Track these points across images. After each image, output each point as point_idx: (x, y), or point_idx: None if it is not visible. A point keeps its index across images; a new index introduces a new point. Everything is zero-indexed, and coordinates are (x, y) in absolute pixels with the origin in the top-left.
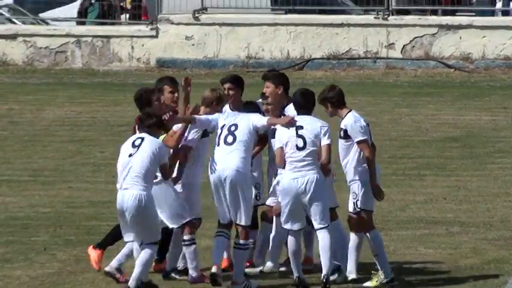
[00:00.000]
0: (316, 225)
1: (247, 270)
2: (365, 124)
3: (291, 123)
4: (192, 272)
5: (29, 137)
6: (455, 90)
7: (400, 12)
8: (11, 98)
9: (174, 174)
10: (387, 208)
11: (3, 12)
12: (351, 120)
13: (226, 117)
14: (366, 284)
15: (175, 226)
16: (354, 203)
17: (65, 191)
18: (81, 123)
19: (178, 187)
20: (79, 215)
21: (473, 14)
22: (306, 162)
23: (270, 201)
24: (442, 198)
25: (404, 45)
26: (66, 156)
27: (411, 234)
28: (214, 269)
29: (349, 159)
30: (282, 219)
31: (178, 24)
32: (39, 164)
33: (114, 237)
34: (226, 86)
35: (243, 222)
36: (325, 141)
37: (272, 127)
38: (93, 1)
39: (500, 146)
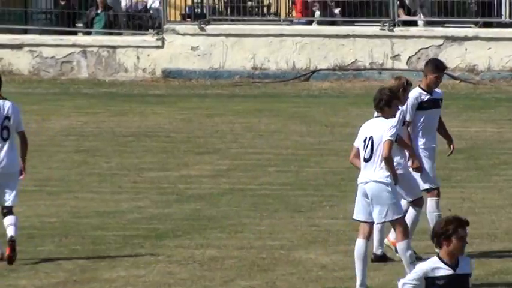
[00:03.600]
0: None
1: None
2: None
3: None
4: None
5: (34, 147)
6: (461, 101)
7: (405, 23)
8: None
9: None
10: None
11: None
12: None
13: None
14: None
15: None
16: None
17: (70, 201)
18: (87, 133)
19: None
20: (85, 224)
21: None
22: None
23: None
24: (447, 210)
25: (409, 57)
26: (71, 167)
27: (416, 245)
28: None
29: None
30: None
31: (184, 34)
32: (44, 174)
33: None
34: None
35: None
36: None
37: None
38: (99, 11)
39: (505, 158)
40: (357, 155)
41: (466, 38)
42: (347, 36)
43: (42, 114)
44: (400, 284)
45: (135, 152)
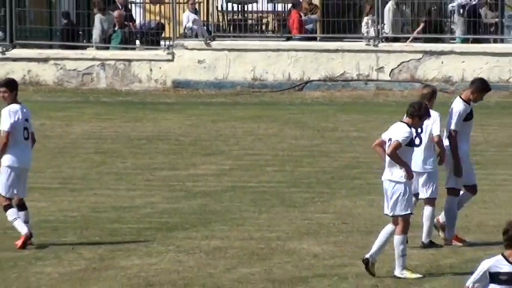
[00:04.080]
0: None
1: None
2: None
3: None
4: None
5: (58, 149)
6: (438, 109)
7: (388, 39)
8: (43, 114)
9: None
10: (377, 214)
11: None
12: None
13: None
14: None
15: None
16: None
17: (90, 197)
18: (105, 137)
19: None
20: (103, 218)
21: (455, 41)
22: None
23: None
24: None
25: (392, 69)
26: (91, 166)
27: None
28: None
29: None
30: None
31: (192, 49)
32: (67, 173)
33: None
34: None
35: None
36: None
37: None
38: (116, 29)
39: (477, 159)
40: (381, 145)
41: (442, 53)
42: (336, 50)
43: (66, 120)
44: (469, 285)
45: (148, 154)
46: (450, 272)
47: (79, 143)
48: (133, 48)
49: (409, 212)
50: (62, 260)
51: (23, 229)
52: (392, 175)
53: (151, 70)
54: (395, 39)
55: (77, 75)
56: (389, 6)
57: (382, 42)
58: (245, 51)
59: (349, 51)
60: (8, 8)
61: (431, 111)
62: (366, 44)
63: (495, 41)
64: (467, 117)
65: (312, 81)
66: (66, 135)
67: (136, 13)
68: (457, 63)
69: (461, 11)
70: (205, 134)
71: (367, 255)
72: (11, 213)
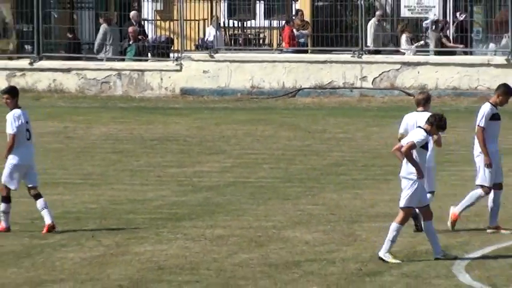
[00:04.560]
0: None
1: None
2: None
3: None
4: None
5: (80, 149)
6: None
7: (371, 52)
8: (67, 118)
9: None
10: (360, 205)
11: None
12: None
13: None
14: None
15: None
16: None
17: (108, 191)
18: (121, 138)
19: None
20: (119, 210)
21: (429, 53)
22: None
23: None
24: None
25: (374, 78)
26: (109, 164)
27: (379, 226)
28: None
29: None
30: None
31: (197, 61)
32: (88, 170)
33: None
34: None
35: None
36: None
37: None
38: (131, 43)
39: (449, 157)
40: (399, 149)
41: (418, 64)
42: (325, 62)
43: (86, 123)
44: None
45: (159, 153)
46: (426, 258)
47: (98, 143)
48: (146, 60)
49: (411, 205)
50: (83, 247)
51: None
52: (405, 172)
53: (161, 79)
54: (377, 52)
55: (96, 83)
56: (371, 23)
57: (365, 54)
58: (244, 63)
59: (336, 62)
60: (36, 24)
61: (426, 114)
62: (351, 56)
63: (465, 53)
64: (493, 116)
65: (304, 88)
66: (87, 136)
67: (149, 29)
68: (432, 73)
69: (433, 27)
70: (209, 136)
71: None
72: (2, 207)
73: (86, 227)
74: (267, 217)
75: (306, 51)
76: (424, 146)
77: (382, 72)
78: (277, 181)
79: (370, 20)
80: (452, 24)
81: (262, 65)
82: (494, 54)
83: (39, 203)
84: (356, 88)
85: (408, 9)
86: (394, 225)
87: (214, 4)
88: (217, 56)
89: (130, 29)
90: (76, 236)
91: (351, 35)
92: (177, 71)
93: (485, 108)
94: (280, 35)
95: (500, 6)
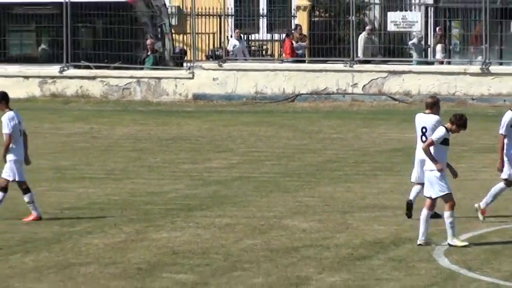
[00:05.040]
0: None
1: None
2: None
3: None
4: None
5: (104, 147)
6: (399, 116)
7: (361, 61)
8: (92, 120)
9: None
10: (352, 197)
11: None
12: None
13: None
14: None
15: None
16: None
17: (129, 185)
18: (140, 137)
19: None
20: (138, 201)
21: (412, 63)
22: None
23: None
24: (389, 191)
25: (364, 85)
26: (129, 161)
27: (368, 216)
28: None
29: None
30: None
31: (208, 69)
32: (111, 166)
33: None
34: None
35: None
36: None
37: None
38: (149, 53)
39: None
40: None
41: (403, 72)
42: (321, 70)
43: (110, 125)
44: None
45: (173, 151)
46: (409, 244)
47: (120, 142)
48: (162, 69)
49: (445, 192)
50: (107, 234)
51: None
52: (428, 166)
53: (176, 86)
54: (366, 62)
55: (118, 89)
56: (361, 36)
57: (356, 64)
58: (249, 71)
59: (330, 70)
60: (65, 37)
61: (432, 116)
62: (344, 65)
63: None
64: None
65: (302, 94)
66: (110, 136)
67: (165, 41)
68: (415, 80)
69: (416, 42)
70: (218, 136)
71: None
72: None
73: (109, 216)
74: (268, 208)
75: (303, 61)
76: (445, 142)
77: (371, 80)
78: (278, 176)
79: (360, 33)
80: (433, 37)
81: (265, 73)
82: (470, 64)
83: (28, 196)
84: (348, 94)
85: (394, 24)
86: (446, 214)
87: (222, 20)
88: (225, 65)
89: (148, 41)
90: (100, 224)
91: (344, 47)
92: (189, 78)
93: (507, 116)
94: (281, 47)
95: (475, 22)
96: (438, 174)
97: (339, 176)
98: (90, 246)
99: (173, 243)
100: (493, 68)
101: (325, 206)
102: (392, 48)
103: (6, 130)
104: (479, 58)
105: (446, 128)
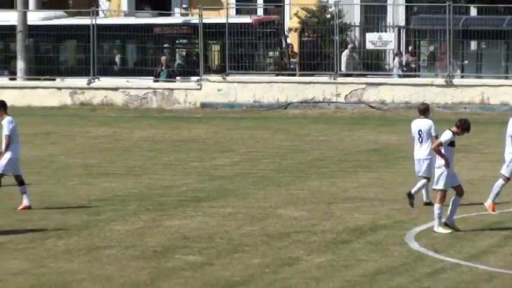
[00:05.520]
0: None
1: None
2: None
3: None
4: None
5: (125, 147)
6: (376, 121)
7: (344, 75)
8: (115, 125)
9: None
10: (335, 190)
11: None
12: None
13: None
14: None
15: None
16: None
17: (146, 180)
18: (156, 140)
19: None
20: (154, 194)
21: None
22: None
23: None
24: (368, 185)
25: (346, 95)
26: (147, 159)
27: (350, 206)
28: None
29: None
30: None
31: (213, 82)
32: (131, 164)
33: None
34: None
35: None
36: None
37: None
38: (163, 68)
39: (402, 154)
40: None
41: (379, 84)
42: (309, 82)
43: (130, 129)
44: None
45: (184, 151)
46: (385, 230)
47: (138, 143)
48: (175, 81)
49: (442, 188)
50: (127, 221)
51: None
52: (437, 164)
53: (186, 95)
54: (348, 75)
55: (137, 99)
56: (344, 53)
57: (340, 77)
58: (248, 83)
59: (317, 83)
60: (91, 53)
61: (426, 120)
62: (329, 78)
63: (415, 75)
64: None
65: (293, 103)
66: (130, 138)
67: (176, 57)
68: (389, 91)
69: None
70: (222, 138)
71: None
72: None
73: (129, 206)
74: (265, 199)
75: (294, 75)
76: (451, 143)
77: (352, 91)
78: (273, 172)
79: (343, 51)
80: (405, 54)
81: (262, 85)
82: (436, 77)
83: (23, 188)
84: (332, 102)
85: (372, 43)
86: (436, 206)
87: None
88: (228, 78)
89: (162, 58)
90: (122, 213)
91: (329, 62)
92: (198, 89)
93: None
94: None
95: (441, 41)
96: (444, 170)
97: (324, 172)
98: (113, 232)
99: (184, 230)
100: (456, 81)
101: (313, 198)
102: (370, 63)
103: (6, 132)
104: (444, 72)
105: (452, 132)
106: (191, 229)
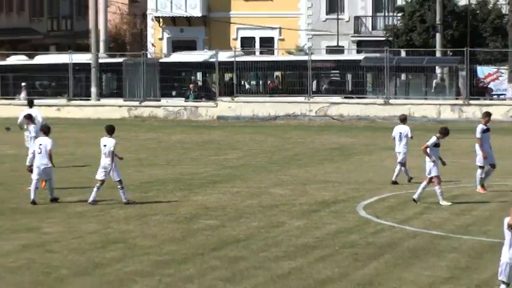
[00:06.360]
0: None
1: None
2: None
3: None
4: None
5: (166, 147)
6: (337, 129)
7: (314, 96)
8: (158, 131)
9: None
10: (309, 176)
11: None
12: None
13: None
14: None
15: None
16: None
17: (179, 169)
18: (186, 141)
19: None
20: (185, 178)
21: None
22: None
23: None
24: (331, 172)
25: (316, 110)
26: (180, 154)
27: (318, 186)
28: None
29: None
30: None
31: (225, 101)
32: (169, 158)
33: None
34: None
35: None
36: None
37: None
38: (191, 92)
39: (355, 151)
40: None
41: (340, 103)
42: (291, 102)
43: (168, 134)
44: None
45: (205, 149)
46: (343, 204)
47: (174, 144)
48: (200, 101)
49: (436, 174)
50: (166, 197)
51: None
52: (427, 159)
53: (207, 111)
54: (318, 96)
55: (173, 113)
56: (314, 82)
57: (312, 97)
58: (250, 102)
59: (296, 102)
60: (142, 80)
61: (404, 126)
62: (304, 98)
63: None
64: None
65: (280, 116)
66: (168, 140)
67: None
68: (346, 108)
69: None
70: (231, 140)
71: (414, 197)
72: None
73: (168, 187)
74: (260, 182)
75: (281, 96)
76: (436, 145)
77: (320, 107)
78: (266, 163)
79: (314, 81)
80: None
81: (259, 104)
82: (378, 98)
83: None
84: (306, 115)
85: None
86: (436, 187)
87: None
88: (236, 99)
89: (191, 85)
90: (163, 192)
91: (305, 88)
92: (215, 107)
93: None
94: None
95: (381, 74)
96: (432, 163)
97: (301, 163)
98: (158, 204)
99: (205, 203)
100: (391, 101)
101: (294, 181)
102: (335, 82)
103: (112, 149)
104: (383, 95)
105: (436, 137)
106: (210, 202)
